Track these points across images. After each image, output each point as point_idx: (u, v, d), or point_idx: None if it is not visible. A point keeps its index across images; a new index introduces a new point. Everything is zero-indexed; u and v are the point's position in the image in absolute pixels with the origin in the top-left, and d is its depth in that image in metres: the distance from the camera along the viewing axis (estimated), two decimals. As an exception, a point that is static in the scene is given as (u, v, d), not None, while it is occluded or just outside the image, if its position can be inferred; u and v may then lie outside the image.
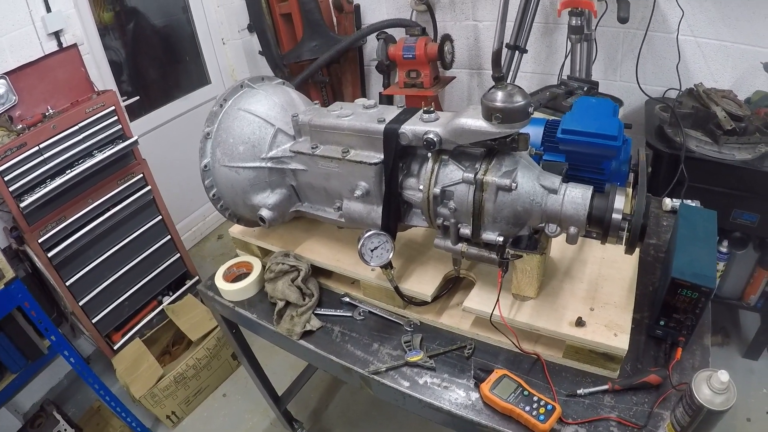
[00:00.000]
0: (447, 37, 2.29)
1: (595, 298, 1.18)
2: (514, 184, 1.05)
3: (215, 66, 3.41)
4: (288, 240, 1.51)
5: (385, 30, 2.40)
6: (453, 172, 1.12)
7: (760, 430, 1.91)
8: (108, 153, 2.29)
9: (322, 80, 2.76)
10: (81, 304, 2.34)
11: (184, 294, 2.69)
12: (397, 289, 1.25)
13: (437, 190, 1.12)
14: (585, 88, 1.82)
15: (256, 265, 1.54)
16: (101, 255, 2.40)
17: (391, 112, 1.21)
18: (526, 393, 1.06)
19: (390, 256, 1.19)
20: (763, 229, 1.81)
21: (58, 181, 2.16)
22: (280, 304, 1.37)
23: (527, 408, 1.03)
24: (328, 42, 2.57)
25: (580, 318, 1.11)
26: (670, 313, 1.13)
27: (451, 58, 2.31)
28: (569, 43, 2.04)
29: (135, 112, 2.92)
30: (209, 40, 3.33)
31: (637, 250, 1.29)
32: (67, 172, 2.20)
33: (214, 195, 1.43)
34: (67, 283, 2.29)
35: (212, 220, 3.68)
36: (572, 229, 1.07)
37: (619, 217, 1.04)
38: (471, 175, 1.07)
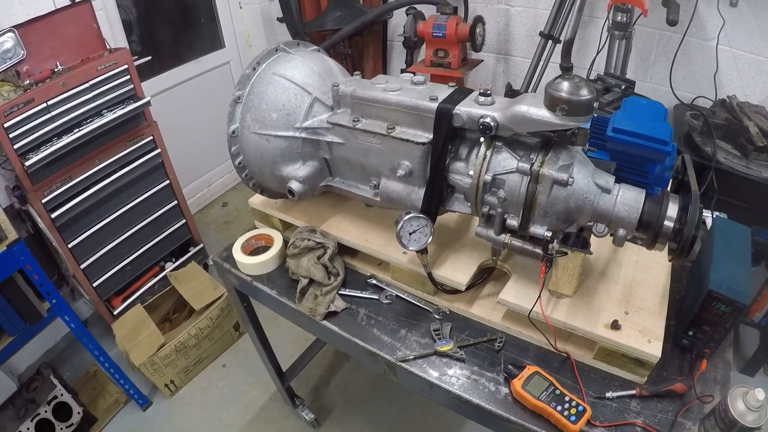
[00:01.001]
0: (479, 19, 2.22)
1: (630, 302, 1.17)
2: (571, 180, 1.01)
3: (230, 30, 3.30)
4: (313, 215, 1.46)
5: (415, 6, 2.33)
6: (506, 160, 1.08)
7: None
8: (119, 113, 2.21)
9: (344, 52, 2.67)
10: (82, 267, 2.30)
11: (187, 261, 2.63)
12: (430, 275, 1.22)
13: (488, 177, 1.08)
14: (622, 87, 1.79)
15: (277, 238, 1.49)
16: (105, 218, 2.34)
17: (442, 91, 1.16)
18: (558, 392, 1.05)
19: (428, 241, 1.16)
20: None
21: (65, 140, 2.08)
22: (304, 281, 1.32)
23: (559, 408, 1.02)
24: (353, 13, 2.48)
25: (616, 321, 1.10)
26: (700, 324, 1.13)
27: (482, 41, 2.25)
28: (607, 38, 2.00)
29: (144, 72, 2.79)
30: (226, 4, 3.22)
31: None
32: (74, 131, 2.12)
33: (239, 163, 1.37)
34: (70, 246, 2.23)
35: (217, 187, 3.61)
36: (621, 231, 1.05)
37: (671, 225, 1.02)
38: (527, 166, 1.04)
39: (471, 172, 1.10)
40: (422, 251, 1.18)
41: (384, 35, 2.81)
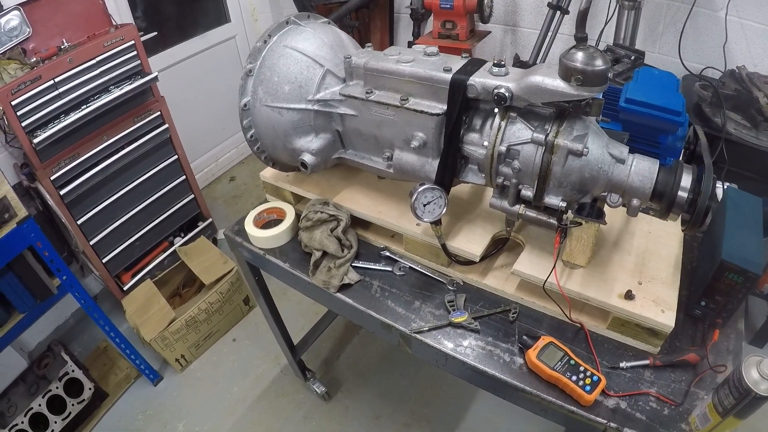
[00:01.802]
0: (488, -10, 2.19)
1: (643, 272, 1.17)
2: (585, 150, 1.01)
3: (236, 4, 3.27)
4: (325, 187, 1.47)
5: (422, -23, 2.29)
6: (521, 131, 1.08)
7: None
8: (127, 89, 2.20)
9: (351, 24, 2.64)
10: (92, 243, 2.32)
11: (196, 236, 2.65)
12: (444, 246, 1.23)
13: (503, 148, 1.08)
14: (632, 57, 1.77)
15: (289, 212, 1.49)
16: (114, 194, 2.36)
17: (456, 62, 1.14)
18: (572, 362, 1.06)
19: (443, 212, 1.16)
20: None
21: (73, 116, 2.08)
22: (317, 254, 1.33)
23: (573, 377, 1.04)
24: (359, -14, 2.45)
25: (629, 291, 1.11)
26: (712, 295, 1.13)
27: (489, 12, 2.22)
28: (615, 9, 1.97)
29: (150, 48, 2.77)
30: None
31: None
32: (82, 107, 2.11)
33: (251, 136, 1.37)
34: (79, 222, 2.25)
35: (224, 162, 3.62)
36: (635, 201, 1.05)
37: (685, 195, 1.02)
38: (541, 136, 1.03)
39: (485, 143, 1.10)
40: (436, 222, 1.19)
41: (390, 7, 2.76)
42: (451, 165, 1.16)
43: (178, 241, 2.65)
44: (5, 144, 2.18)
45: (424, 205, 1.16)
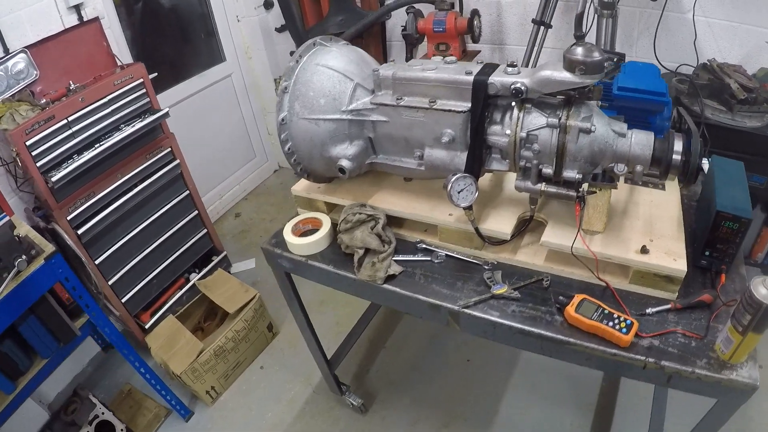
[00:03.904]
0: (476, 12, 2.50)
1: (652, 232, 1.41)
2: (593, 127, 1.27)
3: (230, 43, 3.54)
4: (357, 194, 1.68)
5: (413, 5, 2.60)
6: (536, 119, 1.33)
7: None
8: (139, 125, 2.38)
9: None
10: (110, 283, 2.43)
11: (213, 269, 2.81)
12: (477, 229, 1.45)
13: (523, 134, 1.33)
14: (615, 59, 2.08)
15: (325, 219, 1.70)
16: (130, 232, 2.50)
17: (473, 66, 1.40)
18: (606, 312, 1.28)
19: (475, 197, 1.39)
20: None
21: (89, 154, 2.23)
22: (360, 252, 1.53)
23: (610, 324, 1.25)
24: (353, 16, 2.74)
25: (644, 246, 1.34)
26: (714, 244, 1.37)
27: (479, 32, 2.54)
28: (593, 18, 2.31)
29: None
30: (224, 17, 3.45)
31: (679, 195, 1.56)
32: (95, 146, 2.27)
33: (289, 149, 1.59)
34: (96, 262, 2.37)
35: (228, 199, 3.82)
36: (638, 168, 1.30)
37: (679, 157, 1.28)
38: (555, 120, 1.29)
39: (508, 132, 1.35)
40: (469, 207, 1.42)
41: (383, 36, 3.07)
42: (479, 155, 1.40)
43: (194, 277, 2.80)
44: (15, 189, 2.30)
45: (459, 192, 1.39)
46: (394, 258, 1.55)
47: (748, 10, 2.13)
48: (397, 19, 2.96)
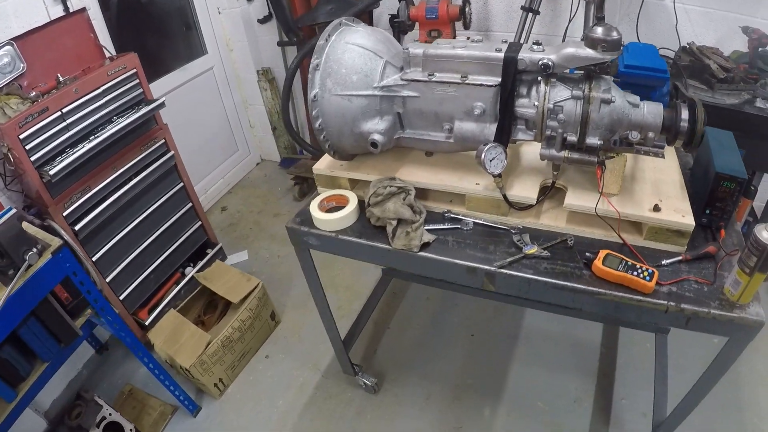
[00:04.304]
0: (466, -1, 2.70)
1: (659, 193, 1.60)
2: (613, 98, 1.46)
3: (211, 36, 3.57)
4: (382, 169, 1.80)
5: (404, -8, 2.75)
6: (561, 92, 1.50)
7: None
8: (135, 116, 2.37)
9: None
10: (108, 280, 2.42)
11: (209, 262, 2.84)
12: (505, 196, 1.62)
13: (550, 105, 1.49)
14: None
15: (350, 195, 1.80)
16: (126, 227, 2.49)
17: (501, 45, 1.56)
18: (629, 263, 1.45)
19: (505, 164, 1.55)
20: (748, 163, 2.39)
21: (85, 147, 2.21)
22: (393, 223, 1.66)
23: (634, 273, 1.42)
24: (343, 5, 2.84)
25: (656, 205, 1.53)
26: (713, 203, 1.58)
27: (470, 18, 2.72)
28: (577, 7, 2.55)
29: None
30: (205, 9, 3.48)
31: (677, 162, 1.79)
32: (90, 138, 2.25)
33: (319, 125, 1.69)
34: (93, 259, 2.35)
35: (213, 193, 3.82)
36: (650, 134, 1.50)
37: (686, 124, 1.49)
38: (580, 92, 1.46)
39: (536, 103, 1.52)
40: (499, 175, 1.58)
41: (370, 23, 3.19)
42: (507, 126, 1.57)
43: (190, 271, 2.80)
44: (4, 189, 2.25)
45: (491, 161, 1.54)
46: (424, 228, 1.70)
47: (723, -3, 2.43)
48: (384, 8, 3.10)
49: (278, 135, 4.17)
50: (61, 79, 2.28)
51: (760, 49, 2.25)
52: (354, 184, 1.87)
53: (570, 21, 2.69)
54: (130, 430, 2.30)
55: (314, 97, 1.65)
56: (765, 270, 1.32)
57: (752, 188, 2.31)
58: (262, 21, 3.53)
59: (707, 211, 1.61)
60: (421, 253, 1.62)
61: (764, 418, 2.19)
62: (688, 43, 2.43)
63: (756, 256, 1.32)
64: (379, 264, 1.77)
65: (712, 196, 1.58)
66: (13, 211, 1.86)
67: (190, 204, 2.80)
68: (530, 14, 2.63)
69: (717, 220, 1.61)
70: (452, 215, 1.73)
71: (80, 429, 2.25)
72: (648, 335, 2.50)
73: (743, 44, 2.36)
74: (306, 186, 3.91)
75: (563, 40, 2.75)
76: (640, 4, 2.54)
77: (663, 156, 1.84)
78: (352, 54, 1.62)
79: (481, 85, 1.53)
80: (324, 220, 1.76)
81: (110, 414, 2.28)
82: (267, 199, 3.89)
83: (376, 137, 1.64)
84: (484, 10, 2.97)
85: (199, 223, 2.87)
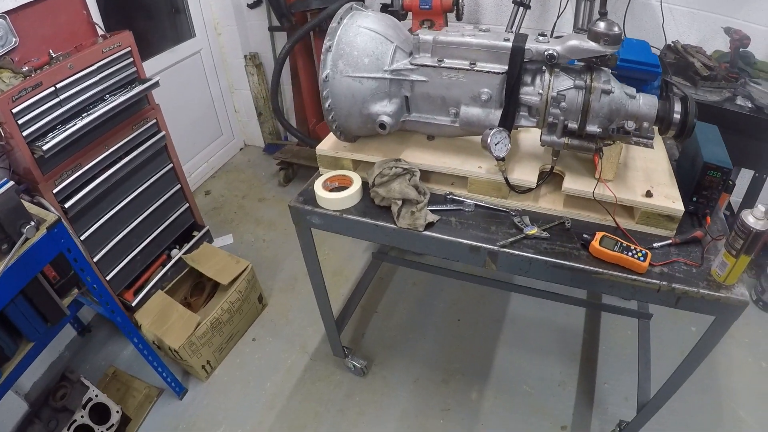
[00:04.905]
0: (459, -10, 2.79)
1: (651, 181, 1.72)
2: (612, 88, 1.57)
3: (200, 19, 3.57)
4: (384, 151, 1.86)
5: (398, -18, 2.82)
6: (564, 81, 1.60)
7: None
8: (129, 94, 2.37)
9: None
10: (95, 260, 2.41)
11: (196, 245, 2.85)
12: (506, 179, 1.72)
13: (554, 94, 1.59)
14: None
15: (354, 176, 1.86)
16: (114, 206, 2.48)
17: (508, 35, 1.65)
18: (624, 245, 1.56)
19: (509, 148, 1.65)
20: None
21: (78, 124, 2.19)
22: (398, 203, 1.74)
23: (629, 254, 1.53)
24: (336, -7, 2.92)
25: (649, 191, 1.66)
26: (700, 191, 1.72)
27: (463, 10, 2.81)
28: (566, 4, 2.67)
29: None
30: None
31: (665, 152, 1.92)
32: (82, 115, 2.24)
33: (329, 105, 1.75)
34: (82, 238, 2.34)
35: (197, 177, 3.82)
36: (645, 124, 1.62)
37: (678, 116, 1.61)
38: (582, 82, 1.57)
39: (540, 91, 1.62)
40: (503, 159, 1.68)
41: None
42: (512, 112, 1.66)
43: (176, 253, 2.81)
44: None
45: (496, 144, 1.63)
46: (428, 208, 1.78)
47: (706, -2, 2.60)
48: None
49: (263, 120, 4.19)
50: (53, 54, 2.26)
51: (741, 49, 2.42)
52: (356, 165, 1.94)
53: (558, 17, 2.82)
54: (117, 411, 2.29)
55: (326, 77, 1.71)
56: (750, 252, 1.45)
57: (730, 183, 2.48)
58: (252, 6, 3.55)
59: (694, 199, 1.74)
60: (426, 233, 1.70)
61: (740, 403, 2.36)
62: (673, 42, 2.59)
63: (742, 239, 1.45)
64: (383, 242, 1.83)
65: (699, 184, 1.71)
66: (11, 183, 1.84)
67: (179, 185, 2.80)
68: (521, 8, 2.74)
69: (703, 207, 1.74)
70: (454, 197, 1.81)
71: (65, 410, 2.23)
72: (628, 322, 2.65)
73: (725, 44, 2.53)
74: (291, 171, 3.94)
75: (551, 34, 2.88)
76: (627, 3, 2.68)
77: (652, 146, 1.98)
78: (364, 37, 1.69)
79: (488, 72, 1.61)
80: (329, 199, 1.82)
81: (96, 395, 2.27)
82: (251, 183, 3.91)
83: (385, 119, 1.71)
84: (474, 2, 3.07)
85: (187, 205, 2.88)
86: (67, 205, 2.27)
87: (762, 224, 1.43)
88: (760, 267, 2.89)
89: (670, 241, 1.65)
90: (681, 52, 2.47)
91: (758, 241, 1.45)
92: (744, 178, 2.75)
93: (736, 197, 2.85)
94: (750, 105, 2.33)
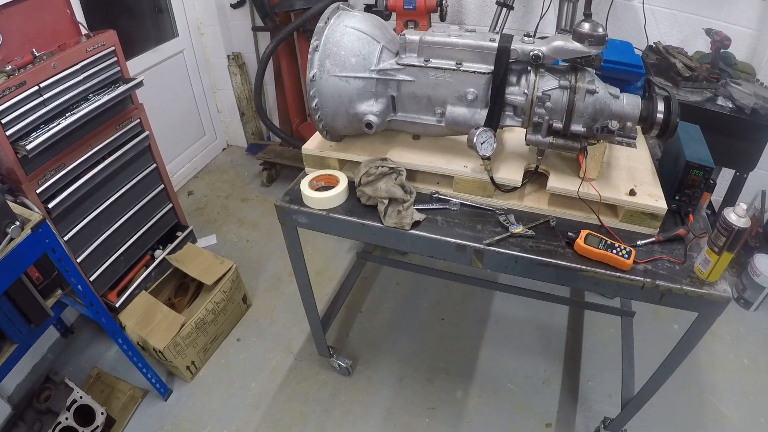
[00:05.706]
0: (443, -9, 2.80)
1: (634, 179, 1.75)
2: (597, 89, 1.59)
3: (183, 18, 3.54)
4: (370, 151, 1.86)
5: (383, -17, 2.83)
6: (549, 81, 1.62)
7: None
8: (114, 93, 2.36)
9: (312, 29, 3.05)
10: (79, 261, 2.38)
11: (180, 245, 2.83)
12: (492, 178, 1.73)
13: (539, 94, 1.61)
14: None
15: (340, 175, 1.87)
16: (98, 207, 2.46)
17: (493, 35, 1.66)
18: (608, 243, 1.59)
19: (494, 147, 1.67)
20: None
21: (62, 123, 2.18)
22: (384, 202, 1.74)
23: (614, 251, 1.56)
24: (321, -7, 2.91)
25: (633, 189, 1.68)
26: (683, 189, 1.75)
27: (446, 10, 2.83)
28: (549, 5, 2.71)
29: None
30: None
31: (648, 151, 1.95)
32: (66, 115, 2.23)
33: (315, 105, 1.75)
34: (65, 238, 2.32)
35: (179, 178, 3.79)
36: (629, 124, 1.64)
37: (661, 115, 1.64)
38: (567, 82, 1.59)
39: (525, 91, 1.63)
40: (488, 158, 1.69)
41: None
42: (497, 111, 1.67)
43: (159, 254, 2.78)
44: None
45: (482, 144, 1.64)
46: (414, 207, 1.79)
47: (688, 0, 2.64)
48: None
49: (246, 121, 4.17)
50: (36, 54, 2.23)
51: (722, 50, 2.47)
52: (342, 165, 1.94)
53: (541, 18, 2.85)
54: (102, 413, 2.27)
55: (313, 77, 1.71)
56: (732, 249, 1.49)
57: (711, 182, 2.53)
58: (235, 6, 3.53)
59: (677, 197, 1.77)
60: (412, 231, 1.71)
61: (722, 399, 2.41)
62: (654, 43, 2.63)
63: (725, 237, 1.48)
64: (369, 241, 1.84)
65: (682, 183, 1.74)
66: (-4, 183, 1.82)
67: (162, 186, 2.78)
68: (504, 9, 2.76)
69: (685, 205, 1.78)
70: (440, 196, 1.82)
71: (50, 412, 2.20)
72: (611, 320, 2.69)
73: (705, 45, 2.58)
74: (274, 171, 3.93)
75: (534, 35, 2.91)
76: (609, 4, 2.72)
77: (636, 146, 2.01)
78: (351, 37, 1.69)
79: (474, 72, 1.63)
80: (315, 198, 1.82)
81: (81, 397, 2.24)
82: (234, 184, 3.90)
83: (371, 118, 1.72)
84: (457, 3, 3.09)
85: (171, 205, 2.85)
86: (50, 206, 2.26)
87: (743, 222, 1.46)
88: (741, 265, 2.94)
89: (653, 239, 1.68)
90: (663, 53, 2.51)
91: (740, 238, 1.48)
92: (723, 177, 2.81)
93: (717, 196, 2.90)
94: (731, 105, 2.38)
